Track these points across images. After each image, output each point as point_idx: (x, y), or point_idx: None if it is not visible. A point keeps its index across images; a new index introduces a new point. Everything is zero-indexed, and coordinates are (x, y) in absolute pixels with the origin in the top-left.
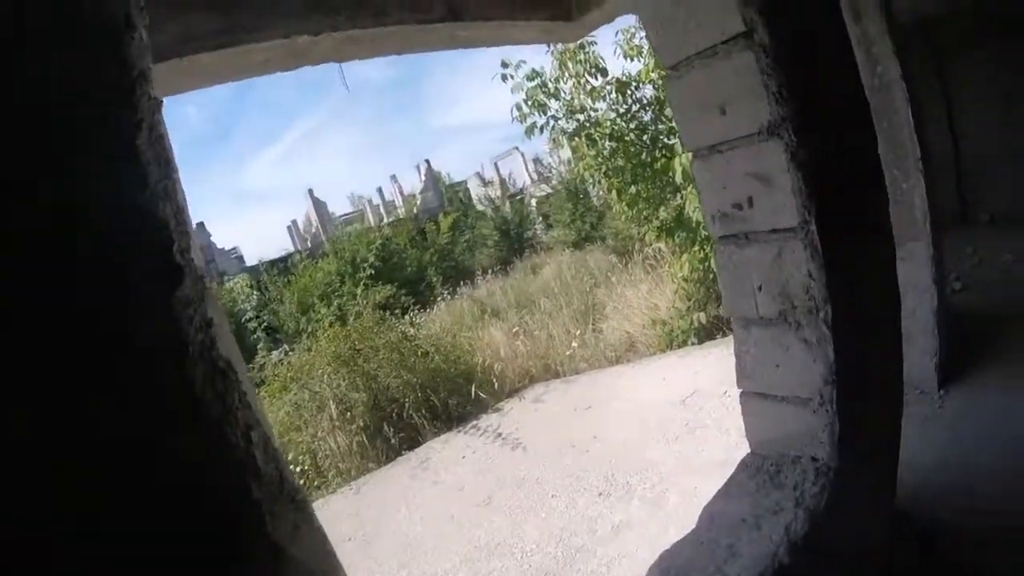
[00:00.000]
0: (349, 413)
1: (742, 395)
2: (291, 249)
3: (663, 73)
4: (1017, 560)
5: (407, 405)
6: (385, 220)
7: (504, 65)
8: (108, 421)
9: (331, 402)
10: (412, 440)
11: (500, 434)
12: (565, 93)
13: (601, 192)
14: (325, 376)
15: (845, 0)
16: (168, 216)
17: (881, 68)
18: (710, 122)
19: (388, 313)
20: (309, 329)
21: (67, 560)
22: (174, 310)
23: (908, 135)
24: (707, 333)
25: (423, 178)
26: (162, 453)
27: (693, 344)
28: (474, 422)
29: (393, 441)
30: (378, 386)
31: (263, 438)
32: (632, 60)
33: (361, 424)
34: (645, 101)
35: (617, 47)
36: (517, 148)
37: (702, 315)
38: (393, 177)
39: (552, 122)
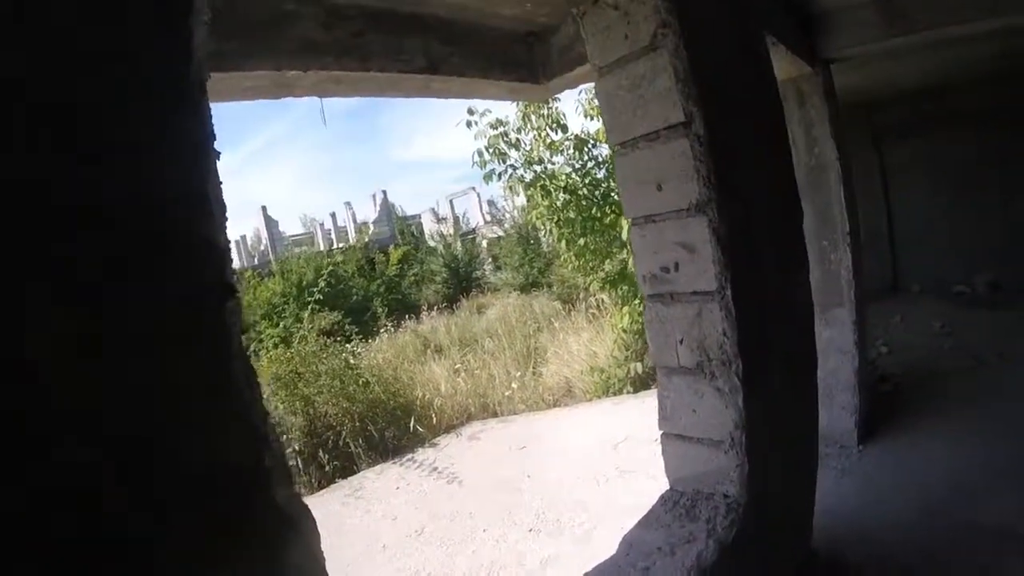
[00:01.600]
0: (285, 437)
1: (663, 436)
2: (237, 265)
3: None
4: None
5: (344, 433)
6: (336, 245)
7: (470, 112)
8: (183, 403)
9: (275, 426)
10: (346, 468)
11: (435, 468)
12: (525, 144)
13: (551, 240)
14: (264, 398)
15: (792, 87)
16: (224, 241)
17: (819, 149)
18: (648, 195)
19: (332, 339)
20: (251, 349)
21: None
22: (225, 319)
23: (838, 211)
24: (642, 383)
25: (377, 208)
26: (206, 426)
27: (628, 392)
28: (410, 455)
29: (327, 468)
30: (316, 412)
31: (271, 422)
32: (591, 119)
33: (296, 448)
34: (600, 159)
35: (579, 106)
36: (474, 188)
37: (639, 365)
38: (348, 204)
39: (510, 170)
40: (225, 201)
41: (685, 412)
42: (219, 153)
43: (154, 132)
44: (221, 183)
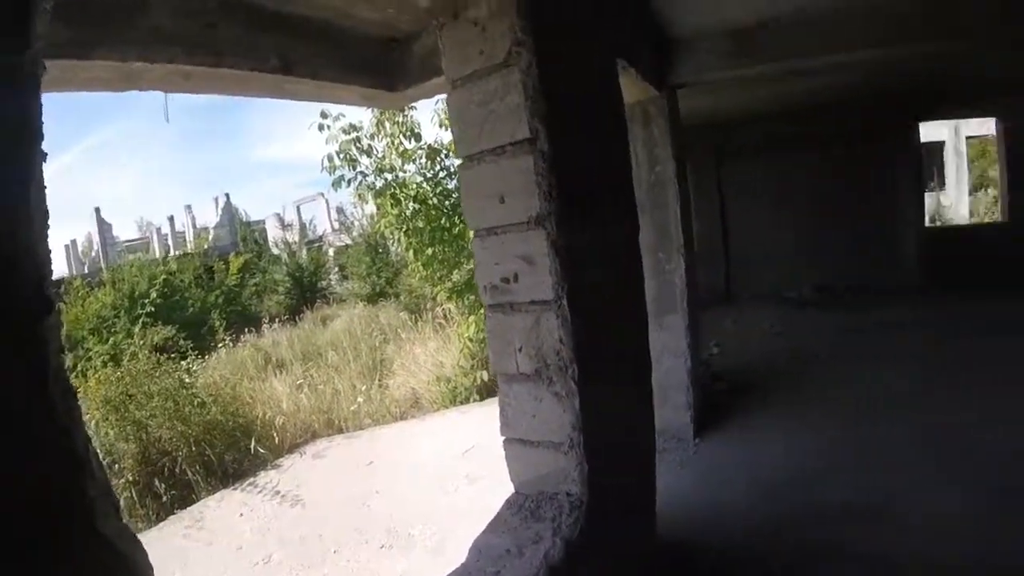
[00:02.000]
0: (117, 466)
1: (505, 441)
2: (66, 272)
3: None
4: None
5: (180, 459)
6: (173, 252)
7: (324, 116)
8: None
9: (98, 453)
10: (185, 498)
11: (279, 491)
12: (378, 151)
13: (399, 250)
14: (92, 423)
15: (639, 108)
16: (44, 251)
17: (660, 168)
18: (491, 208)
19: (166, 356)
20: (77, 368)
21: None
22: (42, 337)
23: (674, 225)
24: (489, 391)
25: (219, 212)
26: (21, 454)
27: (475, 401)
28: (252, 479)
29: (165, 498)
30: (149, 437)
31: (94, 450)
32: (446, 130)
33: (130, 478)
34: (452, 169)
35: (435, 115)
36: (322, 194)
37: (485, 373)
38: (188, 207)
39: (361, 177)
40: (47, 207)
41: (525, 417)
42: (46, 154)
43: None
44: (45, 187)
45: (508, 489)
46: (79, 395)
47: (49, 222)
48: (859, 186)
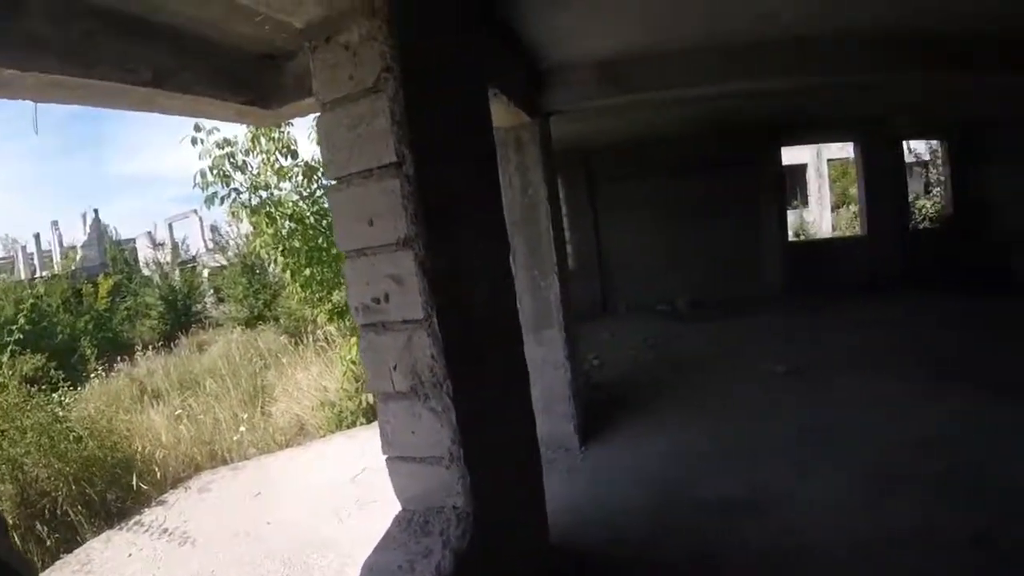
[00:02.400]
0: None
1: (388, 460)
2: None
3: None
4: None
5: (60, 499)
6: (39, 273)
7: (197, 129)
8: None
9: None
10: (69, 540)
11: (166, 529)
12: (253, 168)
13: (277, 271)
14: None
15: (512, 134)
16: None
17: (532, 191)
18: (360, 230)
19: (36, 388)
20: None
21: None
22: None
23: (547, 245)
24: (375, 414)
25: (88, 229)
26: None
27: (362, 424)
28: (137, 517)
29: (48, 542)
30: (26, 477)
31: None
32: None
33: (11, 523)
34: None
35: (311, 132)
36: (196, 211)
37: (371, 396)
38: (55, 223)
39: (235, 194)
40: None
41: (405, 434)
42: None
43: None
44: None
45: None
46: None
47: None
48: (726, 205)
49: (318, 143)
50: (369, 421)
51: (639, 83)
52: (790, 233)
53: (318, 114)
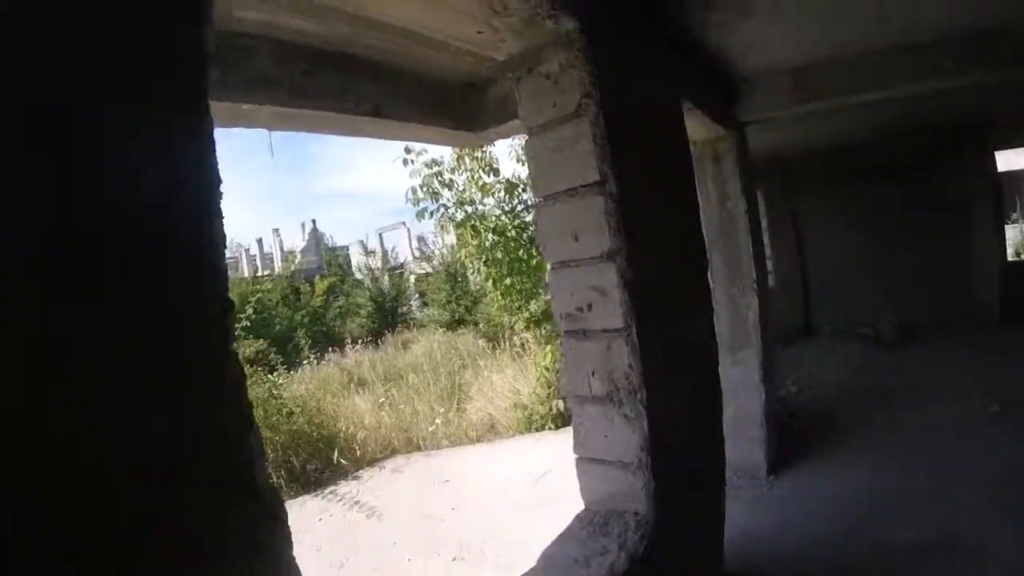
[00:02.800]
0: None
1: (578, 460)
2: None
3: None
4: None
5: (267, 463)
6: (260, 272)
7: (407, 151)
8: (206, 402)
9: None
10: None
11: (358, 501)
12: (458, 185)
13: (478, 279)
14: None
15: (708, 147)
16: (224, 267)
17: (731, 204)
18: (566, 244)
19: (255, 368)
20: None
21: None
22: (225, 327)
23: (747, 261)
24: (564, 420)
25: (306, 237)
26: (213, 415)
27: (551, 429)
28: (333, 487)
29: None
30: None
31: (254, 418)
32: (522, 164)
33: None
34: (529, 203)
35: (512, 151)
36: (404, 223)
37: (560, 403)
38: (276, 231)
39: (442, 209)
40: (224, 231)
41: (597, 437)
42: (221, 181)
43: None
44: (223, 216)
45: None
46: None
47: (226, 239)
48: (934, 216)
49: (517, 160)
50: (557, 427)
51: (832, 89)
52: (1009, 250)
53: (520, 135)
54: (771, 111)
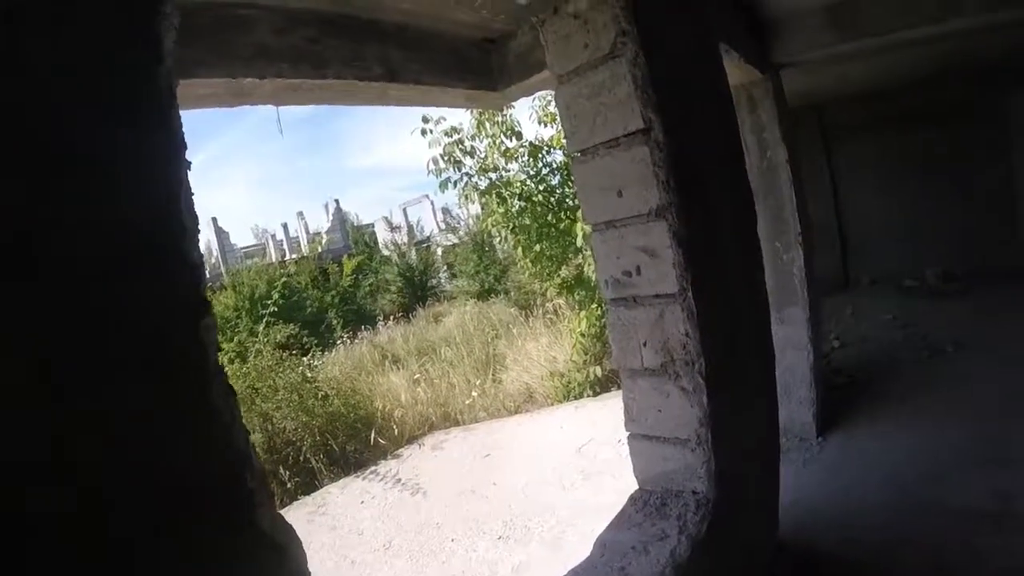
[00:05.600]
0: None
1: (630, 437)
2: None
3: None
4: None
5: (304, 448)
6: (288, 256)
7: (425, 120)
8: (157, 423)
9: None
10: (309, 484)
11: (399, 480)
12: (480, 152)
13: (507, 247)
14: None
15: (744, 93)
16: (198, 258)
17: (770, 152)
18: (608, 202)
19: (288, 353)
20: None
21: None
22: (200, 336)
23: (790, 212)
24: (603, 386)
25: (330, 217)
26: (185, 448)
27: (589, 396)
28: (373, 467)
29: (289, 485)
30: (274, 428)
31: (252, 443)
32: (545, 126)
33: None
34: (555, 165)
35: (533, 112)
36: (427, 196)
37: (598, 368)
38: (300, 214)
39: (466, 178)
40: (196, 215)
41: (651, 412)
42: (190, 163)
43: (121, 144)
44: (193, 195)
45: (625, 485)
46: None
47: (199, 227)
48: (973, 162)
49: (539, 122)
50: (596, 393)
51: (870, 26)
52: None
53: (540, 93)
54: (805, 52)
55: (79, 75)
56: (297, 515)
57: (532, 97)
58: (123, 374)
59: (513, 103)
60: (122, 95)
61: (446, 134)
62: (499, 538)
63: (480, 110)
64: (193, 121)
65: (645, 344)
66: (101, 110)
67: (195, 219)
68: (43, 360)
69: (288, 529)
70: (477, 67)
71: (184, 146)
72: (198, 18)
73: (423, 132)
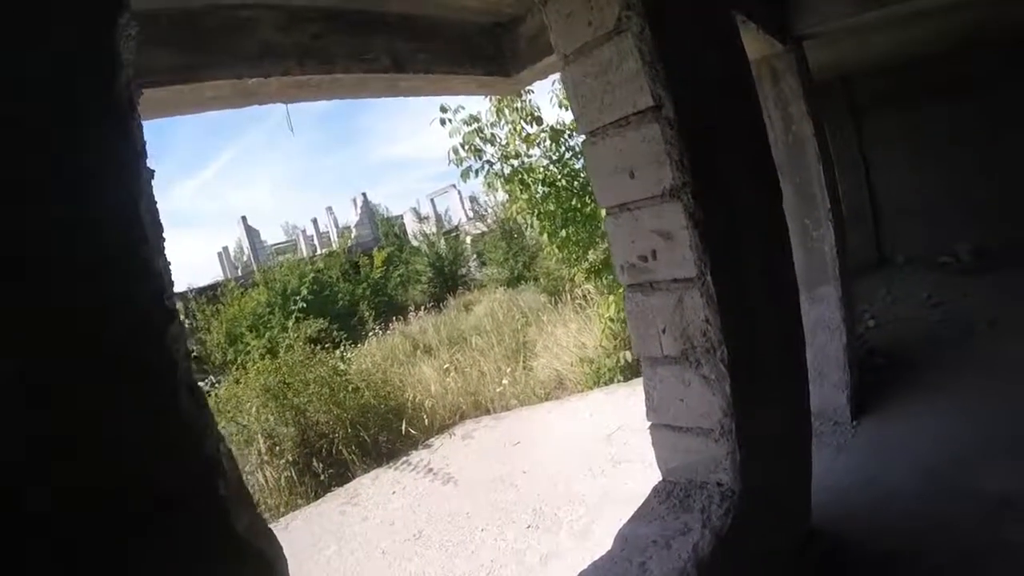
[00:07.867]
0: (278, 448)
1: (651, 427)
2: (221, 277)
3: None
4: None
5: (336, 440)
6: (319, 251)
7: (443, 110)
8: (124, 426)
9: (259, 436)
10: (341, 476)
11: (430, 470)
12: (501, 139)
13: (534, 234)
14: (254, 409)
15: (766, 65)
16: (163, 263)
17: (795, 127)
18: (621, 184)
19: (319, 347)
20: (237, 360)
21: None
22: (167, 346)
23: (819, 188)
24: (632, 371)
25: (359, 211)
26: (152, 459)
27: (619, 382)
28: (404, 458)
29: (322, 477)
30: (307, 421)
31: (227, 449)
32: (566, 110)
33: (290, 459)
34: (577, 149)
35: (553, 96)
36: (454, 186)
37: (628, 354)
38: (329, 208)
39: (487, 166)
40: (160, 222)
41: (673, 402)
42: (152, 171)
43: (78, 154)
44: (156, 203)
45: (655, 473)
46: (241, 384)
47: (164, 235)
48: (1006, 134)
49: (560, 106)
50: (626, 379)
51: None
52: None
53: (558, 75)
54: (829, 22)
55: (33, 87)
56: (329, 507)
57: (551, 81)
58: (85, 383)
59: (529, 88)
60: (79, 105)
61: (465, 123)
62: (528, 527)
63: (498, 96)
64: (212, 124)
65: (664, 331)
66: (57, 121)
67: (159, 227)
68: None
69: (268, 536)
70: (488, 53)
71: (144, 155)
72: (203, 23)
73: (442, 122)
